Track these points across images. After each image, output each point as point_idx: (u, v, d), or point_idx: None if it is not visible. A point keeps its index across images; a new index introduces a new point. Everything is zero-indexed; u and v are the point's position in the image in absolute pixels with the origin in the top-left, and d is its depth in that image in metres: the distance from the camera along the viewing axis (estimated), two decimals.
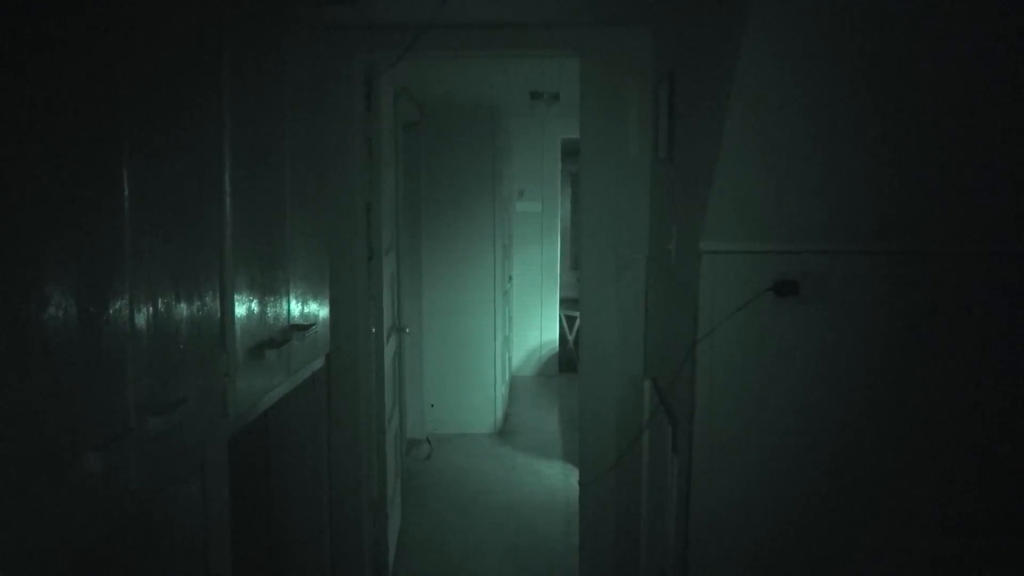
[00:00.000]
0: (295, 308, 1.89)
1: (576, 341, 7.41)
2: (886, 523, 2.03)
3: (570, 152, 7.88)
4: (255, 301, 1.62)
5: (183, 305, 1.29)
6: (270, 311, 1.71)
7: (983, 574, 2.02)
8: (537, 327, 7.60)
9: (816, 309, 1.97)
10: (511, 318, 7.05)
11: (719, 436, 2.03)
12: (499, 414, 6.01)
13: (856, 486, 2.02)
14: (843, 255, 1.96)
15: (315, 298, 2.09)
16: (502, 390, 6.13)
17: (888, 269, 1.96)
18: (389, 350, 3.83)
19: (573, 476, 4.46)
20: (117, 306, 1.08)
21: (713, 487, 2.05)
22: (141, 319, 1.14)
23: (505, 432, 5.98)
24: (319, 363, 2.16)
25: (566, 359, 7.67)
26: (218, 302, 1.44)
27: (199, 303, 1.36)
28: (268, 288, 1.71)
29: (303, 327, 1.86)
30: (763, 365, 2.00)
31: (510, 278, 6.83)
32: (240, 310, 1.52)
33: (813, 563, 2.06)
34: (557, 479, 5.04)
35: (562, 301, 7.76)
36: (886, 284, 1.97)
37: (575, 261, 9.39)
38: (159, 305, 1.21)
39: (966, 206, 1.89)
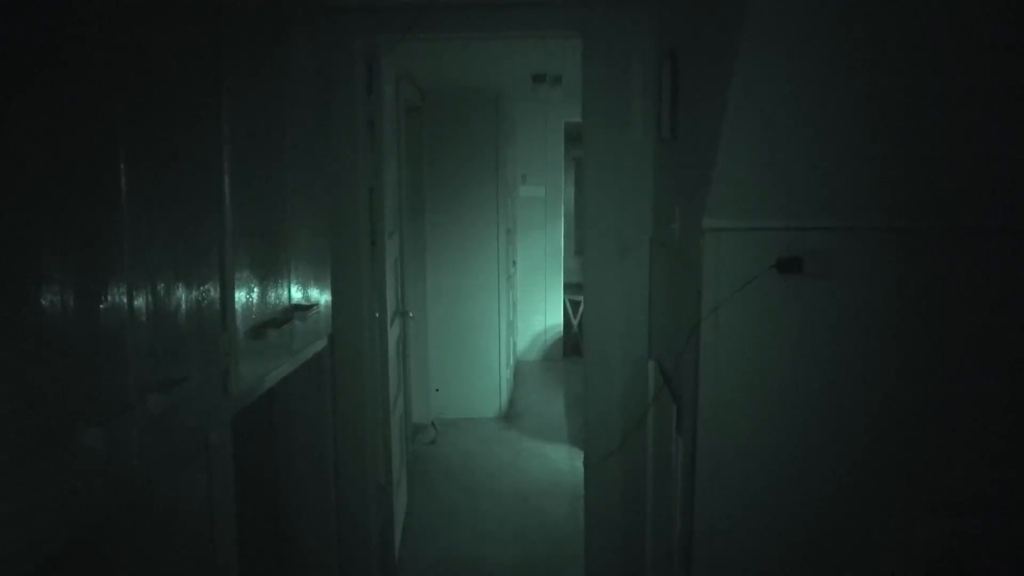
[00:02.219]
0: (297, 288, 1.88)
1: (580, 326, 7.41)
2: (893, 501, 2.02)
3: (573, 137, 7.85)
4: (256, 282, 1.61)
5: (183, 285, 1.29)
6: (271, 292, 1.71)
7: (996, 553, 2.02)
8: (541, 312, 7.60)
9: (820, 286, 1.96)
10: (515, 303, 7.04)
11: (723, 415, 2.03)
12: (504, 398, 6.02)
13: (861, 464, 2.02)
14: (848, 231, 1.95)
15: (317, 279, 2.09)
16: (507, 375, 6.13)
17: (893, 245, 1.95)
18: (393, 334, 3.83)
19: (579, 459, 4.46)
20: (117, 286, 1.07)
21: (717, 466, 2.05)
22: (141, 299, 1.14)
23: (510, 416, 5.99)
24: (322, 344, 2.16)
25: (571, 344, 7.68)
26: (218, 282, 1.43)
27: (199, 284, 1.35)
28: (269, 269, 1.70)
29: (305, 307, 1.85)
30: (767, 343, 2.00)
31: (514, 263, 6.82)
32: (241, 290, 1.52)
33: (818, 542, 2.05)
34: (563, 462, 5.05)
35: (566, 286, 7.75)
36: (891, 260, 1.95)
37: (579, 246, 9.38)
38: (159, 285, 1.20)
39: (970, 182, 1.88)
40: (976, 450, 2.00)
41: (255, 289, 1.60)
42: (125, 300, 1.09)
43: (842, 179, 1.89)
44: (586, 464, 3.24)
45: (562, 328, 7.71)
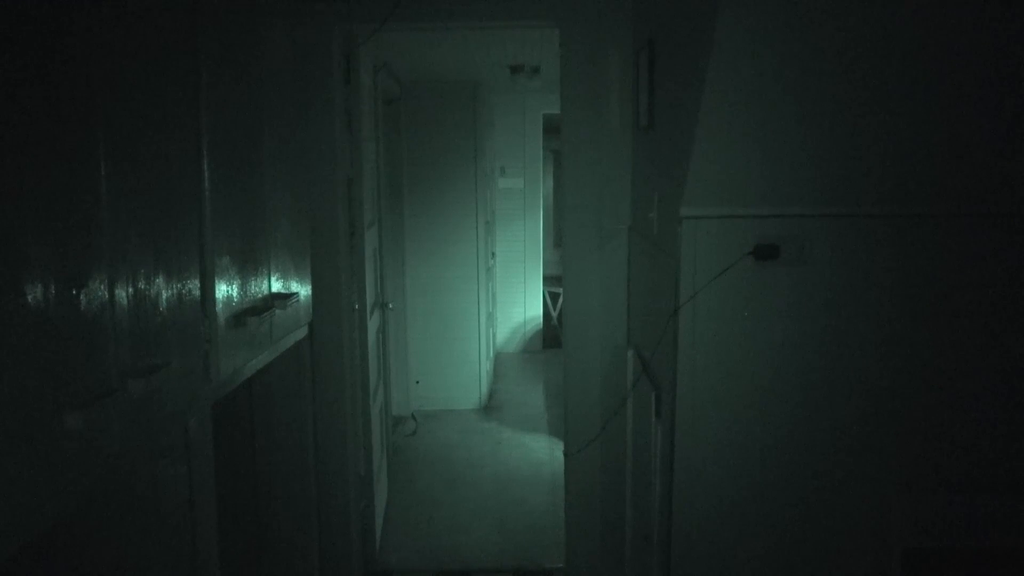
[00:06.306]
0: (276, 278, 1.88)
1: (560, 317, 7.43)
2: (871, 482, 2.06)
3: (552, 129, 7.86)
4: (235, 271, 1.61)
5: (164, 274, 1.29)
6: (251, 281, 1.71)
7: (973, 532, 2.06)
8: (521, 304, 7.61)
9: (796, 273, 1.99)
10: (495, 295, 7.05)
11: (701, 401, 2.05)
12: (484, 390, 6.03)
13: (839, 446, 2.05)
14: (824, 219, 1.97)
15: (296, 269, 2.08)
16: (487, 366, 6.15)
17: (869, 232, 1.98)
18: (372, 326, 3.82)
19: (558, 449, 4.49)
20: (98, 274, 1.07)
21: (695, 451, 2.07)
22: (122, 287, 1.14)
23: (491, 408, 6.00)
24: (302, 333, 2.16)
25: (550, 335, 7.70)
26: (198, 271, 1.43)
27: (180, 272, 1.35)
28: (249, 258, 1.70)
29: (285, 296, 1.86)
30: (745, 329, 2.02)
31: (493, 255, 6.82)
32: (221, 279, 1.52)
33: (797, 525, 2.09)
34: (543, 452, 5.08)
35: (545, 278, 7.77)
36: (867, 247, 1.98)
37: (558, 238, 9.39)
38: (139, 273, 1.20)
39: (948, 169, 1.91)
40: (952, 431, 2.03)
41: (235, 278, 1.60)
42: (106, 288, 1.09)
43: (819, 166, 1.91)
44: (566, 453, 3.26)
45: (541, 320, 7.73)
